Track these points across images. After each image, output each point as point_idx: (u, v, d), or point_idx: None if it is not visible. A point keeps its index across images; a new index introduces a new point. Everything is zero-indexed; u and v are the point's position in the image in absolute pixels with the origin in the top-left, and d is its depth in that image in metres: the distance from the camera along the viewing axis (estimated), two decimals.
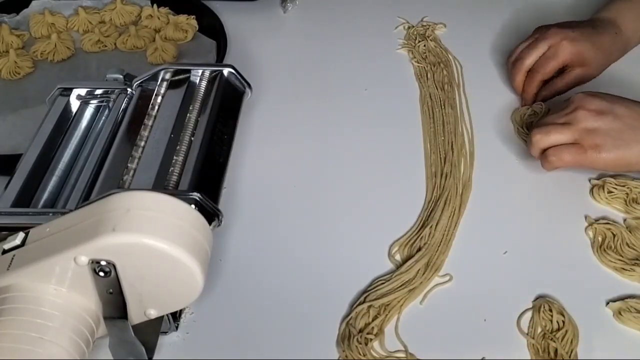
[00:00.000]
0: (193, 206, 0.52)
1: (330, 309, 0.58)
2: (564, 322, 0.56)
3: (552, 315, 0.56)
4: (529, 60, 0.75)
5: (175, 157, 0.58)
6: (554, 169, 0.66)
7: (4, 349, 0.40)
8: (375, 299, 0.58)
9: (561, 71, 0.75)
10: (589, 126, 0.63)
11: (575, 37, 0.74)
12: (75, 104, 0.67)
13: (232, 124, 0.65)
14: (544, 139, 0.65)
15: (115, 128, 0.63)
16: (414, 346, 0.55)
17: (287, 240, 0.64)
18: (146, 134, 0.61)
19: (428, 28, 0.90)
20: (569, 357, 0.54)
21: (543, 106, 0.76)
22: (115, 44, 0.88)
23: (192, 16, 0.91)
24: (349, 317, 0.57)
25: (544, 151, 0.65)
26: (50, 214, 0.54)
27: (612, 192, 0.66)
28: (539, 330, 0.56)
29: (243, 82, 0.68)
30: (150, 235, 0.42)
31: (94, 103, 0.67)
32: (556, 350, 0.54)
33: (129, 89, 0.66)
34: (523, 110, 0.76)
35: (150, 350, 0.49)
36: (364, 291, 0.59)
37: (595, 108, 0.64)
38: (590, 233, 0.63)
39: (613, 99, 0.65)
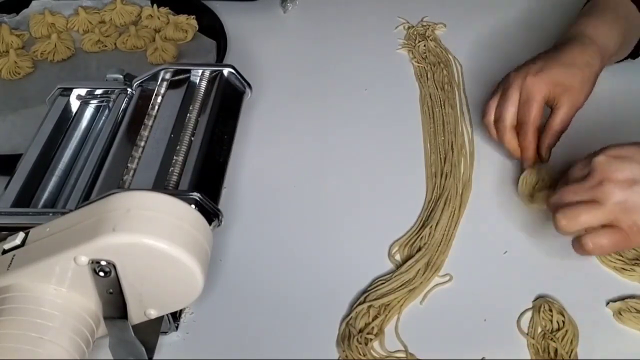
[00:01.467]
0: (193, 206, 0.52)
1: (330, 309, 0.58)
2: (564, 322, 0.56)
3: (552, 315, 0.56)
4: (509, 115, 0.66)
5: (175, 157, 0.58)
6: (590, 255, 0.57)
7: (4, 349, 0.40)
8: (375, 299, 0.58)
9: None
10: (622, 202, 0.53)
11: (538, 69, 0.65)
12: (75, 104, 0.67)
13: (232, 124, 0.65)
14: (571, 224, 0.54)
15: (115, 128, 0.63)
16: (414, 346, 0.55)
17: (287, 240, 0.64)
18: (146, 134, 0.61)
19: (428, 28, 0.90)
20: (569, 357, 0.54)
21: (545, 170, 0.66)
22: (115, 44, 0.88)
23: (192, 16, 0.91)
24: (349, 317, 0.57)
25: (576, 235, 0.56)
26: (50, 214, 0.54)
27: None
28: (539, 330, 0.56)
29: (243, 82, 0.68)
30: (150, 235, 0.42)
31: (94, 103, 0.67)
32: (556, 350, 0.54)
33: (129, 89, 0.66)
34: (530, 177, 0.66)
35: (150, 350, 0.49)
36: (364, 291, 0.59)
37: (623, 178, 0.53)
38: None
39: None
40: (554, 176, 0.65)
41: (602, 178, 0.54)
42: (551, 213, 0.56)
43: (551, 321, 0.56)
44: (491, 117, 0.68)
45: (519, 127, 0.66)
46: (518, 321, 0.57)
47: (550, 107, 0.67)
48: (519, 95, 0.66)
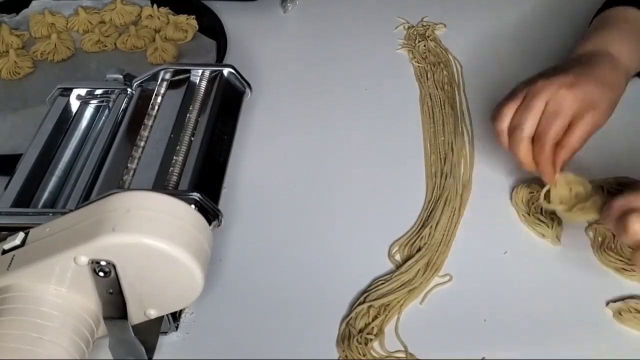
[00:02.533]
0: (193, 206, 0.52)
1: (330, 309, 0.58)
2: None
3: None
4: (529, 126, 0.60)
5: (175, 157, 0.58)
6: None
7: (4, 349, 0.40)
8: (375, 299, 0.58)
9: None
10: None
11: (572, 82, 0.61)
12: (75, 104, 0.67)
13: (232, 124, 0.65)
14: None
15: (115, 128, 0.63)
16: (414, 346, 0.55)
17: (287, 240, 0.64)
18: (146, 134, 0.61)
19: (428, 28, 0.90)
20: None
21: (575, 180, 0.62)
22: (115, 44, 0.88)
23: (192, 16, 0.91)
24: (349, 317, 0.57)
25: None
26: (50, 214, 0.54)
27: (612, 192, 0.66)
28: None
29: (243, 82, 0.68)
30: (150, 235, 0.42)
31: (94, 103, 0.67)
32: None
33: (129, 89, 0.66)
34: (559, 190, 0.62)
35: (150, 350, 0.49)
36: (364, 291, 0.59)
37: None
38: (591, 233, 0.63)
39: None
40: (587, 186, 0.62)
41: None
42: (611, 221, 0.54)
43: None
44: (505, 123, 0.62)
45: (538, 140, 0.61)
46: (518, 321, 0.57)
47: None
48: (544, 106, 0.60)
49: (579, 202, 0.61)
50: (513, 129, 0.62)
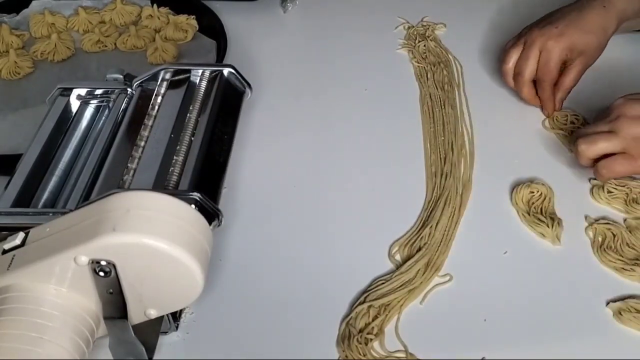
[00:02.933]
0: (193, 206, 0.52)
1: (330, 309, 0.58)
2: None
3: None
4: (528, 72, 0.74)
5: (175, 157, 0.58)
6: (607, 180, 0.66)
7: (4, 349, 0.40)
8: (375, 299, 0.58)
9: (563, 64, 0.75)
10: (634, 134, 0.63)
11: (560, 33, 0.73)
12: (75, 104, 0.67)
13: (232, 123, 0.65)
14: (590, 148, 0.65)
15: (115, 128, 0.63)
16: (414, 346, 0.55)
17: (287, 240, 0.64)
18: (146, 134, 0.61)
19: (428, 28, 0.90)
20: None
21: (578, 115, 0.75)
22: (115, 44, 0.88)
23: (192, 16, 0.91)
24: (349, 317, 0.57)
25: (594, 162, 0.65)
26: (50, 214, 0.54)
27: (612, 192, 0.66)
28: None
29: (243, 82, 0.68)
30: (150, 235, 0.42)
31: (94, 103, 0.67)
32: None
33: (129, 89, 0.66)
34: (556, 124, 0.75)
35: (150, 350, 0.49)
36: (364, 291, 0.59)
37: (637, 114, 0.63)
38: (591, 233, 0.63)
39: None
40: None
41: (618, 114, 0.64)
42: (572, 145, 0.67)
43: None
44: (509, 64, 0.76)
45: (538, 82, 0.75)
46: (518, 321, 0.57)
47: (563, 65, 0.74)
48: (539, 53, 0.73)
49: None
50: (516, 75, 0.75)
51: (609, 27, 0.75)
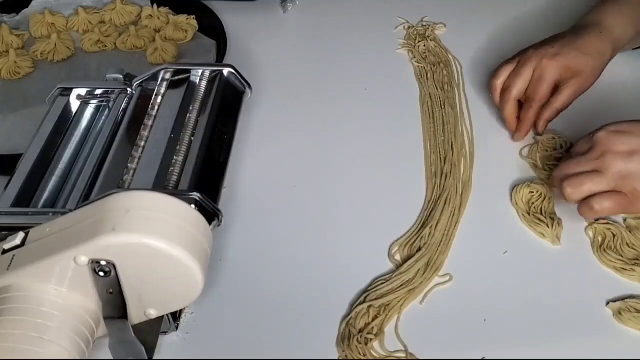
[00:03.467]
0: (193, 206, 0.52)
1: (330, 309, 0.58)
2: None
3: None
4: (517, 89, 0.71)
5: (175, 157, 0.58)
6: (596, 217, 0.62)
7: (4, 349, 0.40)
8: (375, 299, 0.58)
9: (556, 88, 0.71)
10: (622, 171, 0.58)
11: (556, 52, 0.70)
12: (75, 104, 0.67)
13: (232, 124, 0.65)
14: (577, 191, 0.59)
15: (115, 128, 0.63)
16: (414, 346, 0.55)
17: (287, 240, 0.64)
18: (146, 134, 0.61)
19: (428, 28, 0.90)
20: None
21: (557, 139, 0.72)
22: (115, 44, 0.88)
23: (192, 16, 0.91)
24: (349, 317, 0.57)
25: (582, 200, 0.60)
26: (50, 214, 0.54)
27: None
28: None
29: (243, 82, 0.68)
30: (150, 235, 0.42)
31: (94, 103, 0.67)
32: None
33: (129, 89, 0.66)
34: (542, 148, 0.72)
35: (150, 350, 0.49)
36: (364, 291, 0.59)
37: (623, 150, 0.59)
38: (590, 233, 0.63)
39: (638, 129, 0.60)
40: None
41: (603, 150, 0.59)
42: (556, 185, 0.62)
43: None
44: (499, 80, 0.73)
45: (525, 101, 0.72)
46: (518, 321, 0.57)
47: (556, 86, 0.71)
48: (532, 73, 0.70)
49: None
50: (504, 90, 0.72)
51: (605, 52, 0.72)
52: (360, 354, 0.54)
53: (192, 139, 0.60)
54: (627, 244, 0.62)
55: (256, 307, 0.58)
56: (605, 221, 0.64)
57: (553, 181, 0.64)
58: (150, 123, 0.62)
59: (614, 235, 0.62)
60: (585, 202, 0.59)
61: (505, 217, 0.66)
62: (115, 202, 0.44)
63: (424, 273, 0.60)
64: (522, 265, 0.61)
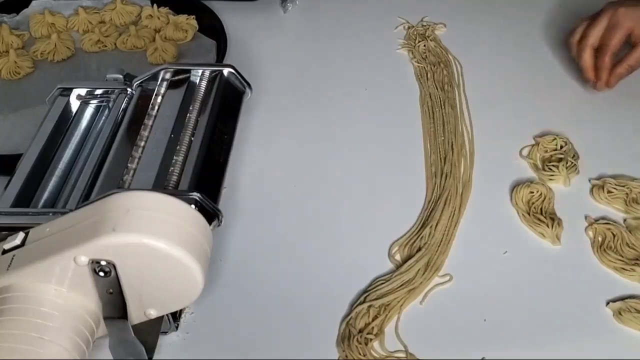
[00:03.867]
0: (193, 206, 0.52)
1: (330, 309, 0.58)
2: None
3: None
4: (593, 36, 0.74)
5: (175, 157, 0.58)
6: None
7: (4, 349, 0.40)
8: (375, 299, 0.58)
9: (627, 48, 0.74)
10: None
11: (633, 4, 0.72)
12: (75, 104, 0.67)
13: (232, 123, 0.65)
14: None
15: (115, 128, 0.63)
16: (414, 346, 0.55)
17: (287, 240, 0.64)
18: (146, 134, 0.61)
19: (428, 28, 0.90)
20: None
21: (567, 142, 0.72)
22: (115, 44, 0.88)
23: (192, 16, 0.91)
24: (349, 317, 0.57)
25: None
26: (50, 214, 0.54)
27: (612, 192, 0.66)
28: None
29: (243, 82, 0.68)
30: (150, 235, 0.42)
31: (94, 103, 0.67)
32: None
33: (129, 89, 0.66)
34: (542, 148, 0.71)
35: (150, 350, 0.49)
36: (364, 291, 0.59)
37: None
38: (590, 233, 0.63)
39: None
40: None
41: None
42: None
43: None
44: (576, 38, 0.76)
45: (598, 50, 0.74)
46: (518, 321, 0.57)
47: (631, 45, 0.74)
48: (607, 22, 0.73)
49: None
50: (580, 40, 0.75)
51: None
52: (360, 354, 0.54)
53: (192, 139, 0.60)
54: (627, 244, 0.62)
55: (256, 307, 0.58)
56: (605, 221, 0.64)
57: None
58: (150, 123, 0.62)
59: (614, 236, 0.62)
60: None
61: (505, 217, 0.66)
62: (115, 202, 0.44)
63: (424, 273, 0.60)
64: (522, 265, 0.61)
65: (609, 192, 0.66)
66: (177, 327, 0.56)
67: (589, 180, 0.68)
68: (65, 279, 0.43)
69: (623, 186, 0.66)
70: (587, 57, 0.75)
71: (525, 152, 0.72)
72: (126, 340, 0.47)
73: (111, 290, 0.44)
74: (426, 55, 0.86)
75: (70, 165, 0.62)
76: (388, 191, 0.69)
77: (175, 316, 0.56)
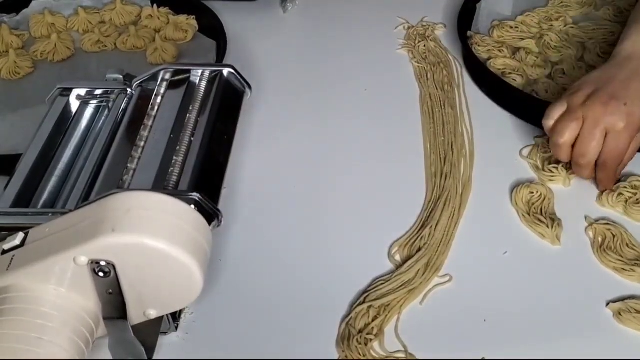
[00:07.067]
0: (193, 206, 0.52)
1: (330, 309, 0.58)
2: None
3: None
4: (594, 154, 0.64)
5: (175, 157, 0.58)
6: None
7: (4, 349, 0.40)
8: (375, 299, 0.58)
9: None
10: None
11: (629, 112, 0.62)
12: (75, 104, 0.67)
13: (232, 124, 0.65)
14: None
15: (115, 128, 0.63)
16: (414, 346, 0.55)
17: (287, 241, 0.64)
18: (146, 134, 0.61)
19: (428, 28, 0.90)
20: None
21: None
22: (115, 44, 0.88)
23: (192, 16, 0.91)
24: (349, 317, 0.57)
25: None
26: (50, 214, 0.54)
27: (623, 194, 0.65)
28: None
29: (243, 82, 0.68)
30: (149, 236, 0.42)
31: (93, 103, 0.67)
32: None
33: (129, 89, 0.66)
34: (542, 149, 0.70)
35: (150, 350, 0.49)
36: (364, 291, 0.59)
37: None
38: (590, 233, 0.63)
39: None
40: None
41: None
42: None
43: None
44: (565, 139, 0.64)
45: (599, 163, 0.65)
46: (518, 321, 0.57)
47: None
48: (604, 134, 0.63)
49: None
50: (579, 157, 0.64)
51: None
52: (360, 355, 0.54)
53: (192, 139, 0.60)
54: (627, 245, 0.62)
55: (256, 307, 0.58)
56: (605, 222, 0.64)
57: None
58: (150, 123, 0.62)
59: (614, 236, 0.62)
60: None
61: (505, 218, 0.66)
62: (115, 202, 0.44)
63: (423, 273, 0.60)
64: (522, 265, 0.61)
65: (619, 194, 0.65)
66: (176, 328, 0.56)
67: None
68: (65, 280, 0.43)
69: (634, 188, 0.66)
70: (590, 174, 0.66)
71: (525, 152, 0.72)
72: (126, 341, 0.47)
73: (111, 291, 0.44)
74: (426, 56, 0.86)
75: (70, 165, 0.62)
76: (388, 191, 0.69)
77: (175, 316, 0.56)
